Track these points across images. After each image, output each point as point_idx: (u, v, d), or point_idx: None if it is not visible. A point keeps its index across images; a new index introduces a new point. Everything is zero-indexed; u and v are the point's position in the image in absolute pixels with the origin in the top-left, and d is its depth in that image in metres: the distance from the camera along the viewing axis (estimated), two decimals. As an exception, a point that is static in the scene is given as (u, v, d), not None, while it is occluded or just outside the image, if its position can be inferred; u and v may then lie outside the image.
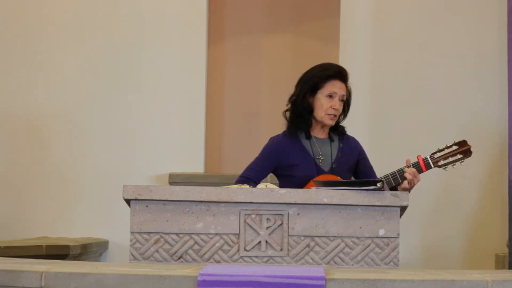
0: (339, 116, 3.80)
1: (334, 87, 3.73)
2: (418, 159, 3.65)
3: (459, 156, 3.65)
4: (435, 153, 3.66)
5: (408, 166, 3.64)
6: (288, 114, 3.82)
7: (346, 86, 3.78)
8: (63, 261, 3.82)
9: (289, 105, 3.82)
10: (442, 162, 3.65)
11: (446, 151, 3.67)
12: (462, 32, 5.51)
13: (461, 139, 3.67)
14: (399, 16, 5.57)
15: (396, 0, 5.60)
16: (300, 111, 3.76)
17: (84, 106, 5.66)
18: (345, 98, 3.77)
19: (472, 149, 3.67)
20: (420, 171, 3.63)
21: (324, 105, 3.72)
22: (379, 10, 5.58)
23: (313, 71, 3.78)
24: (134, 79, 5.66)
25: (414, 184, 3.60)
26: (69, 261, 3.81)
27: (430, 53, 5.52)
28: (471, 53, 5.49)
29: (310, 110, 3.75)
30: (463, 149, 3.66)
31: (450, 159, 3.65)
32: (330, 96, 3.72)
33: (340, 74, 3.76)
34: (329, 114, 3.73)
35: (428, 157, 3.65)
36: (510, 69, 5.24)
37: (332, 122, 3.76)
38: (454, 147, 3.66)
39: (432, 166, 3.65)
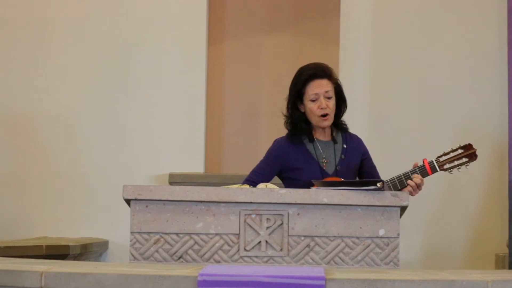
0: (336, 113, 3.74)
1: (314, 88, 3.66)
2: (423, 162, 3.64)
3: (464, 159, 3.63)
4: (440, 156, 3.65)
5: (415, 170, 3.63)
6: (287, 121, 3.78)
7: (331, 80, 3.70)
8: (63, 261, 3.82)
9: (286, 113, 3.78)
10: (447, 166, 3.64)
11: (452, 154, 3.64)
12: (462, 32, 5.51)
13: (467, 143, 3.66)
14: (399, 16, 5.57)
15: (396, 0, 5.60)
16: (295, 121, 3.74)
17: (84, 106, 5.65)
18: (330, 94, 3.68)
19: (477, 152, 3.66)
20: (425, 174, 3.62)
21: (313, 109, 3.67)
22: (379, 10, 5.58)
23: (294, 79, 3.73)
24: (134, 79, 5.66)
25: (420, 190, 3.60)
26: (69, 261, 3.81)
27: (430, 53, 5.51)
28: (471, 53, 5.49)
29: (304, 118, 3.73)
30: (469, 153, 3.64)
31: (456, 162, 3.63)
32: (314, 99, 3.67)
33: (315, 74, 3.67)
34: (320, 116, 3.67)
35: (434, 161, 3.63)
36: (510, 69, 5.24)
37: (327, 123, 3.70)
38: (460, 151, 3.64)
39: (438, 169, 3.63)
